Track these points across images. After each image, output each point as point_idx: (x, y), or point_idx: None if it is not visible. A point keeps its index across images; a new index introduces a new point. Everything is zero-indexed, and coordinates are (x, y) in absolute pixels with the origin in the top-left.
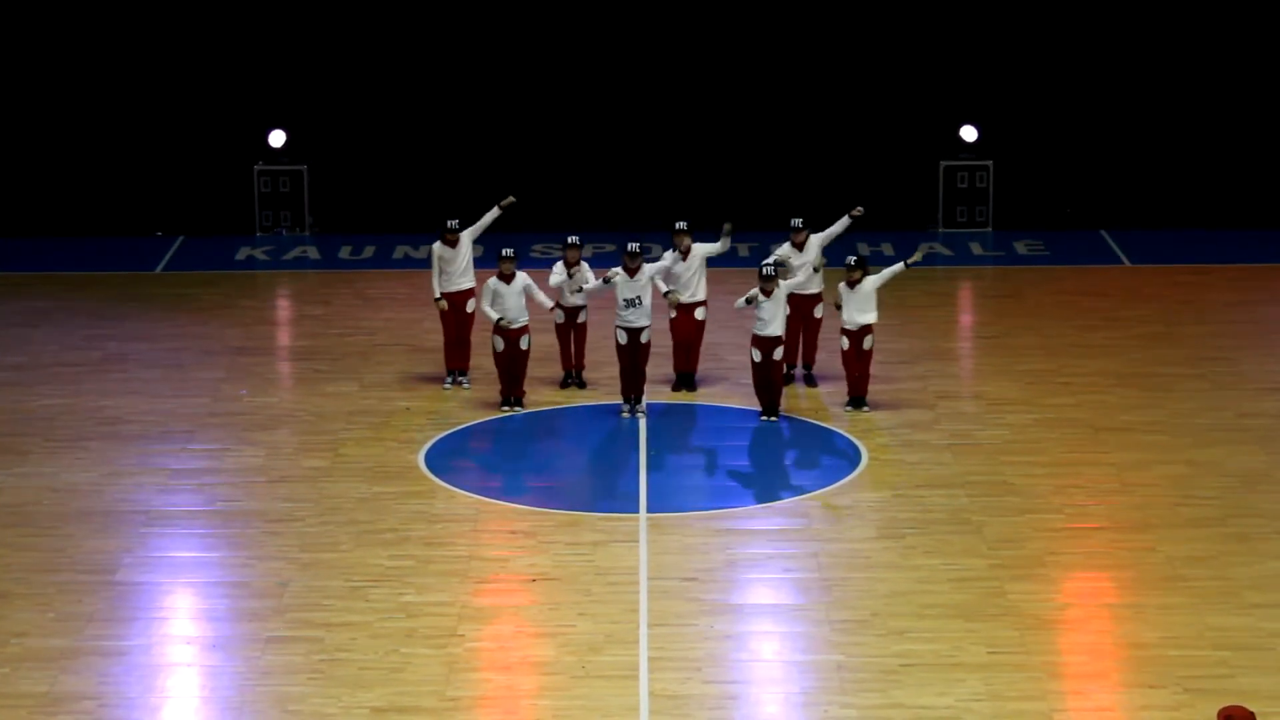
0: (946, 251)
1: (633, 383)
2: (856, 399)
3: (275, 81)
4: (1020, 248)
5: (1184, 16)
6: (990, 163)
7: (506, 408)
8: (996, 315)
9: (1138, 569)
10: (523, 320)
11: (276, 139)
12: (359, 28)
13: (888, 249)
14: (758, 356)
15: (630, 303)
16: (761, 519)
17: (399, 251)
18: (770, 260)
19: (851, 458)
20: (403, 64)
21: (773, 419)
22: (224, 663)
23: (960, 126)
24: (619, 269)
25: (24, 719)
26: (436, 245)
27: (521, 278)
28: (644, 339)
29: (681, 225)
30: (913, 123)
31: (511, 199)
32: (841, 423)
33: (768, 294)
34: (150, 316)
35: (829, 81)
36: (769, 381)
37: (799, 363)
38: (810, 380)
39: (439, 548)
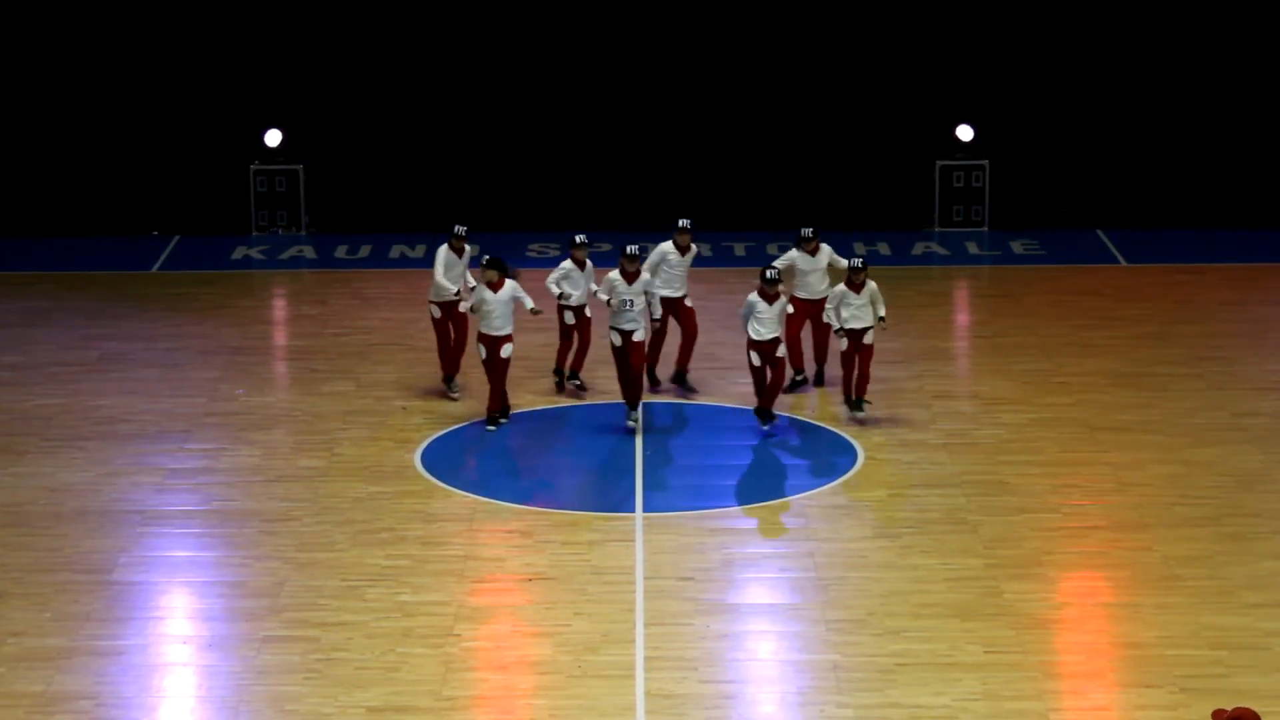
0: (943, 251)
1: (633, 389)
2: (858, 400)
3: (271, 81)
4: (1016, 247)
5: (1181, 16)
6: (986, 162)
7: (492, 426)
8: (993, 314)
9: (1134, 568)
10: (506, 330)
11: (273, 138)
12: (355, 27)
13: (884, 248)
14: (757, 360)
15: (625, 303)
16: (758, 518)
17: (395, 251)
18: (777, 264)
19: (848, 457)
20: (399, 63)
21: (766, 425)
22: (220, 662)
23: (956, 126)
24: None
25: (21, 718)
26: (442, 250)
27: (510, 287)
28: (636, 338)
29: (685, 223)
30: (909, 122)
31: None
32: (838, 422)
33: (770, 299)
34: (147, 316)
35: (826, 81)
36: (772, 383)
37: (803, 364)
38: (820, 379)
39: (435, 547)
